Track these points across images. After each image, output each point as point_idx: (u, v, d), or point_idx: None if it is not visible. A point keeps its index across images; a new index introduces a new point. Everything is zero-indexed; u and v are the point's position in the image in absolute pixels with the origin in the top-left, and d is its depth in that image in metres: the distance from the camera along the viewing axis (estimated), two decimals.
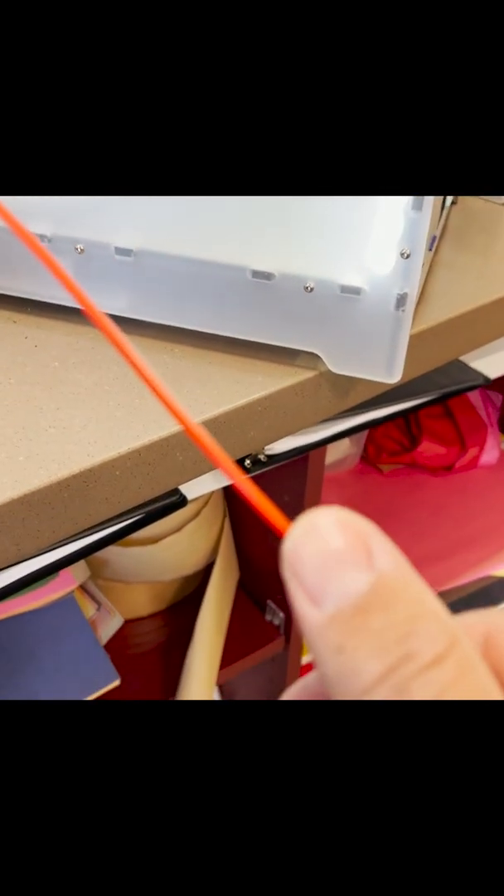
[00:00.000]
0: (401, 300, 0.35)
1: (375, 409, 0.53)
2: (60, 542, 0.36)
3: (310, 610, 0.14)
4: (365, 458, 0.87)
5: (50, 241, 0.38)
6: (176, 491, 0.45)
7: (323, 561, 0.14)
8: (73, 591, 0.64)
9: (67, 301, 0.40)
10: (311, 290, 0.36)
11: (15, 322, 0.40)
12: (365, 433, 0.85)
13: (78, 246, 0.38)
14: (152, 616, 0.71)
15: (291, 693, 0.17)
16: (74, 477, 0.31)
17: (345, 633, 0.13)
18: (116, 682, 0.60)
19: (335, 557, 0.14)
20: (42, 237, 0.38)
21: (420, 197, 0.33)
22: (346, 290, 0.35)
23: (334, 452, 0.84)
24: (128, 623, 0.69)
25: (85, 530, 0.35)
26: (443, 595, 0.75)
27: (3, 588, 0.40)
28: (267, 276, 0.36)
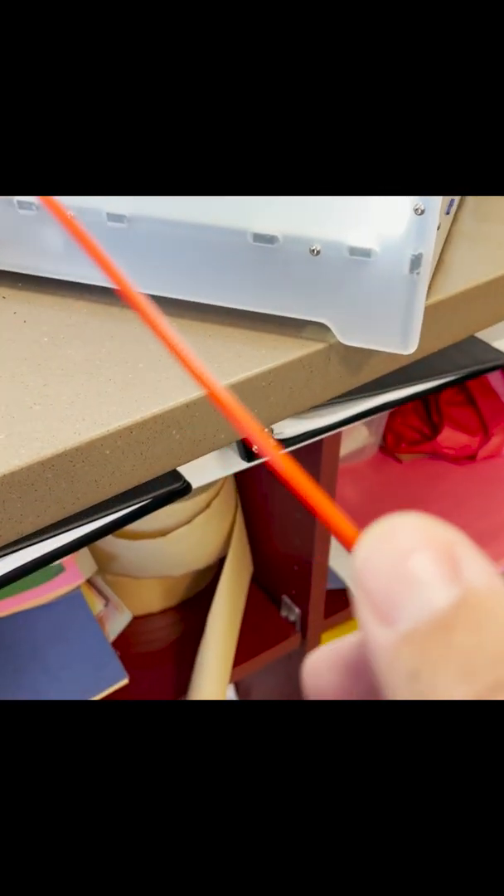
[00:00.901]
0: (415, 261, 0.32)
1: (393, 390, 0.50)
2: (50, 527, 0.33)
3: (378, 630, 0.11)
4: (384, 447, 0.84)
5: (38, 208, 0.36)
6: (179, 477, 0.42)
7: (398, 573, 0.11)
8: (79, 587, 0.62)
9: (60, 275, 0.38)
10: (318, 253, 0.33)
11: (4, 297, 0.38)
12: (383, 422, 0.82)
13: (68, 213, 0.35)
14: (162, 612, 0.68)
15: (320, 659, 0.14)
16: (59, 456, 0.29)
17: (422, 655, 0.11)
18: (125, 681, 0.58)
19: (413, 569, 0.11)
20: (29, 205, 0.36)
21: None
22: (355, 252, 0.32)
23: (352, 442, 0.82)
24: (137, 619, 0.67)
25: (76, 515, 0.33)
26: None
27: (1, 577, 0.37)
28: (269, 239, 0.33)
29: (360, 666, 0.14)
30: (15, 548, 0.34)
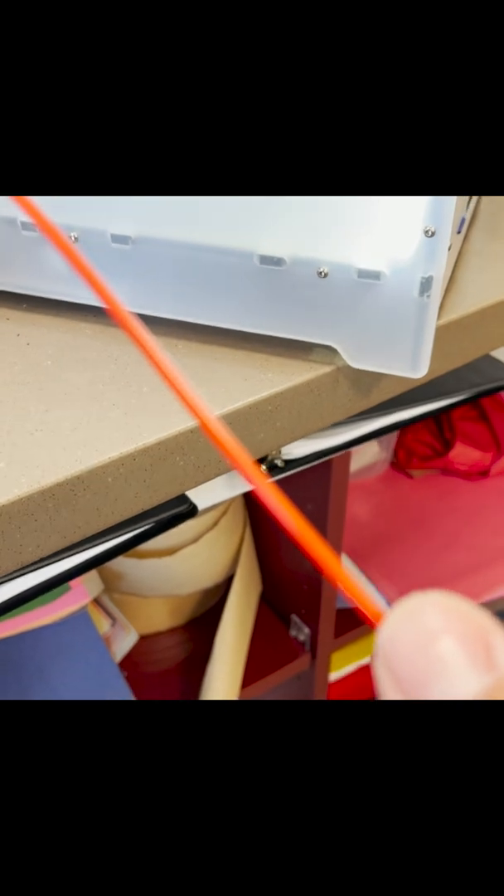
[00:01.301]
0: (425, 284, 0.31)
1: (403, 409, 0.50)
2: (51, 556, 0.33)
3: None
4: (395, 463, 0.83)
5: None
6: (185, 499, 0.42)
7: (427, 656, 0.10)
8: (86, 606, 0.61)
9: (64, 296, 0.37)
10: (326, 275, 0.32)
11: (7, 319, 0.38)
12: (394, 437, 0.81)
13: (72, 234, 0.35)
14: (170, 631, 0.67)
15: None
16: (60, 485, 0.28)
17: None
18: None
19: (443, 653, 0.10)
20: (31, 225, 0.35)
21: None
22: (364, 274, 0.32)
23: (362, 458, 0.81)
24: (144, 639, 0.66)
25: (77, 543, 0.32)
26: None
27: (2, 604, 0.37)
28: (276, 261, 0.33)
29: None
30: (16, 574, 0.34)
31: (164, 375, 0.17)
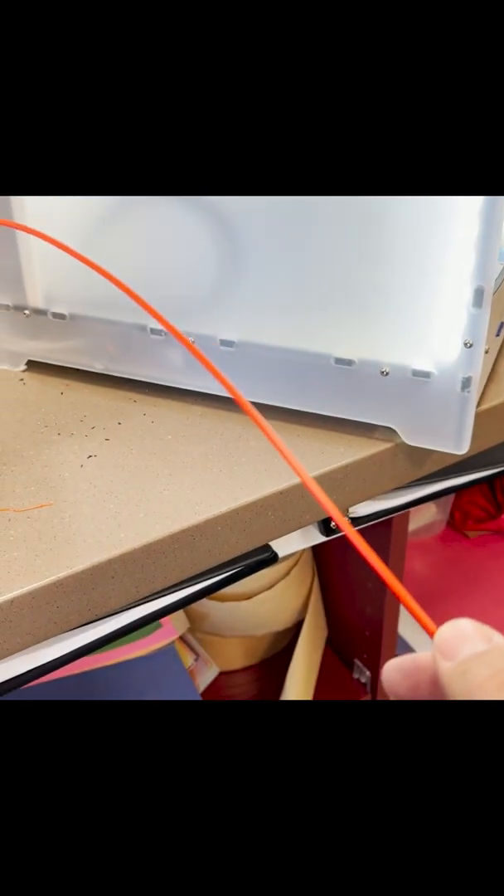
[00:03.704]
0: (465, 383, 0.40)
1: (454, 477, 0.58)
2: (170, 587, 0.42)
3: (445, 663, 0.21)
4: (451, 523, 0.90)
5: (166, 335, 0.46)
6: (268, 548, 0.51)
7: (460, 639, 0.21)
8: (174, 642, 0.70)
9: (179, 384, 0.48)
10: (387, 374, 0.41)
11: (135, 401, 0.48)
12: (451, 500, 0.88)
13: (189, 339, 0.45)
14: (245, 669, 0.75)
15: (391, 664, 0.23)
16: (184, 531, 0.37)
17: (468, 664, 0.20)
18: None
19: (468, 637, 0.21)
20: (160, 331, 0.46)
21: (480, 294, 0.38)
22: (417, 374, 0.41)
23: (421, 518, 0.88)
24: (221, 675, 0.74)
25: (189, 578, 0.41)
26: None
27: (117, 630, 0.46)
28: (348, 362, 0.42)
29: (415, 673, 0.22)
30: (148, 599, 0.43)
31: (276, 446, 0.26)
